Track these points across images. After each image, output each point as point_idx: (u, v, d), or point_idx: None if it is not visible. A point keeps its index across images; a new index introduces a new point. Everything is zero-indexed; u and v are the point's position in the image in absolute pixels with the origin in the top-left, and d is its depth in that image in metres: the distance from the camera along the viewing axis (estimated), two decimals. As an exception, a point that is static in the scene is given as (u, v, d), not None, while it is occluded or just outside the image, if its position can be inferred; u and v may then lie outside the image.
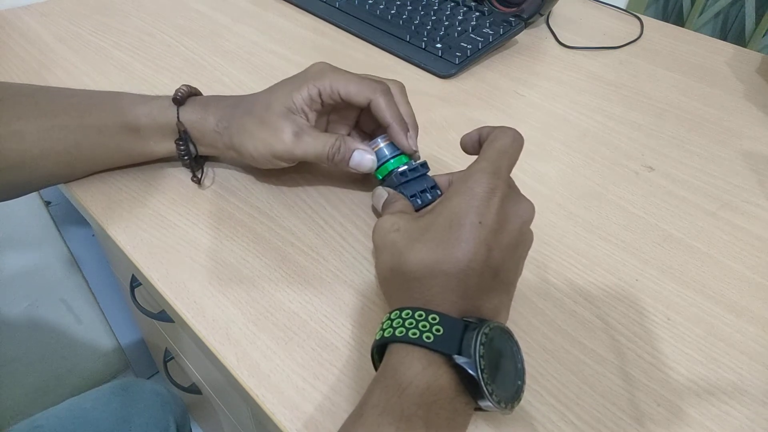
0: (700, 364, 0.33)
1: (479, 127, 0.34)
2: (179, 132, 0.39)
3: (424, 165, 0.38)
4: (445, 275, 0.27)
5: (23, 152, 0.37)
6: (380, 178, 0.38)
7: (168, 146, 0.40)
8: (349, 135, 0.42)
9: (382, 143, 0.38)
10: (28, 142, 0.37)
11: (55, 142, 0.38)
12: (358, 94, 0.37)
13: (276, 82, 0.39)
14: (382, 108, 0.37)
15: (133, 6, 0.68)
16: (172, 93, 0.39)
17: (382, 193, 0.37)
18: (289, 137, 0.36)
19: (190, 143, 0.40)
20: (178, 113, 0.38)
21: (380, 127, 0.39)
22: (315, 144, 0.37)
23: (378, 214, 0.39)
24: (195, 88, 0.41)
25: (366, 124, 0.42)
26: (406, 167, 0.37)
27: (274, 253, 0.37)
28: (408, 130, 0.38)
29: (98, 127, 0.38)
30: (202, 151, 0.41)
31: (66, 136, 0.38)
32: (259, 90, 0.39)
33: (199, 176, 0.41)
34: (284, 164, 0.38)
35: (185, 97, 0.39)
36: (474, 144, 0.34)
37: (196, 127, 0.39)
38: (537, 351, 0.33)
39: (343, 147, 0.37)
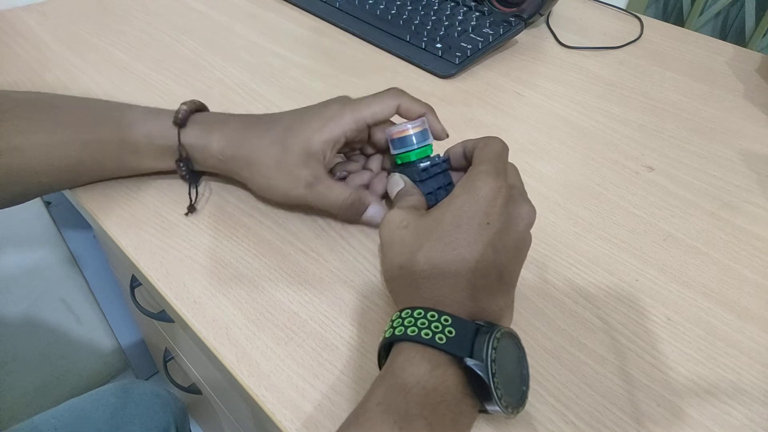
0: (700, 364, 0.33)
1: (461, 141, 0.35)
2: (180, 155, 0.38)
3: (447, 161, 0.36)
4: (454, 276, 0.28)
5: (23, 168, 0.36)
6: (399, 163, 0.37)
7: (168, 164, 0.39)
8: (348, 154, 0.42)
9: (411, 130, 0.36)
10: (28, 157, 0.36)
11: (56, 158, 0.37)
12: (383, 109, 0.36)
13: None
14: (412, 105, 0.37)
15: (133, 6, 0.68)
16: (172, 95, 0.39)
17: (399, 181, 0.36)
18: (305, 187, 0.35)
19: (191, 164, 0.39)
20: (179, 136, 0.37)
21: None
22: (330, 196, 0.36)
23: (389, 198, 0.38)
24: (198, 103, 0.40)
25: (368, 148, 0.41)
26: (429, 162, 0.36)
27: (274, 253, 0.37)
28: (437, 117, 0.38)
29: (99, 144, 0.38)
30: (203, 169, 0.40)
31: (67, 153, 0.37)
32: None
33: (193, 200, 0.40)
34: (295, 204, 0.38)
35: (186, 117, 0.38)
36: (459, 158, 0.36)
37: (198, 150, 0.38)
38: (537, 351, 0.33)
39: (358, 203, 0.36)
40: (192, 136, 0.38)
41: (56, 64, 0.55)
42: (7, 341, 0.89)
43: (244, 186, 0.41)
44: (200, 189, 0.42)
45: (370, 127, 0.37)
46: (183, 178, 0.40)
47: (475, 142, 0.34)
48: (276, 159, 0.36)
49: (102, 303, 0.99)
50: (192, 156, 0.38)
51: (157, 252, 0.37)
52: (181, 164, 0.39)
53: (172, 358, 0.79)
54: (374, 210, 0.37)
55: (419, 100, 0.37)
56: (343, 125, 0.36)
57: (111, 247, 0.40)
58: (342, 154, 0.43)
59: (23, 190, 0.38)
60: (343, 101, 0.37)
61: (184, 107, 0.38)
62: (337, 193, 0.36)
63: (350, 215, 0.37)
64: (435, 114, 0.38)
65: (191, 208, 0.40)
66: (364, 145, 0.41)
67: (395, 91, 0.37)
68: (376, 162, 0.40)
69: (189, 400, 0.84)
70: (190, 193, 0.40)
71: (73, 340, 0.99)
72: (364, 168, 0.41)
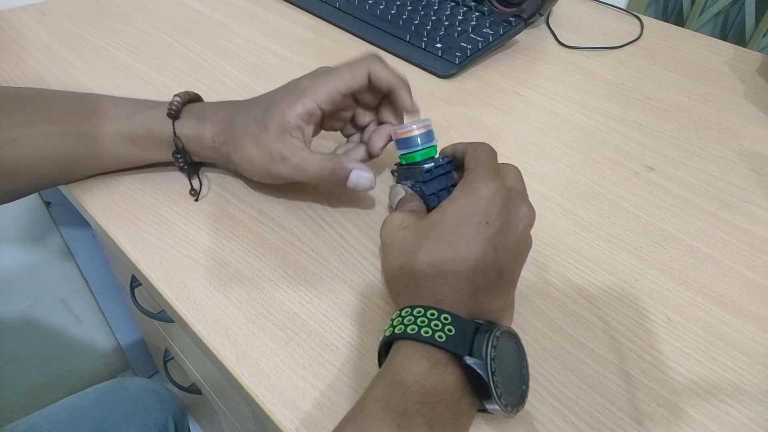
0: (700, 364, 0.33)
1: (451, 144, 0.36)
2: (177, 146, 0.38)
3: (450, 162, 0.36)
4: (454, 275, 0.28)
5: (20, 159, 0.37)
6: (404, 163, 0.37)
7: (165, 155, 0.40)
8: (344, 129, 0.41)
9: (416, 131, 0.36)
10: (25, 148, 0.37)
11: (52, 149, 0.37)
12: (354, 79, 0.36)
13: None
14: (383, 73, 0.36)
15: (133, 6, 0.68)
16: (172, 95, 0.39)
17: (399, 191, 0.37)
18: (281, 161, 0.35)
19: (188, 156, 0.39)
20: (174, 127, 0.38)
21: (378, 110, 0.39)
22: (309, 168, 0.36)
23: (391, 209, 0.38)
24: (192, 94, 0.40)
25: (361, 117, 0.40)
26: (432, 164, 0.36)
27: (274, 253, 0.37)
28: (409, 90, 0.37)
29: (94, 136, 0.38)
30: (200, 160, 0.40)
31: (63, 144, 0.37)
32: (260, 89, 0.39)
33: (197, 189, 0.41)
34: (283, 182, 0.38)
35: (180, 108, 0.38)
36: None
37: (193, 140, 0.38)
38: (537, 351, 0.33)
39: (338, 168, 0.36)
40: (187, 126, 0.38)
41: (56, 63, 0.55)
42: (7, 341, 0.89)
43: (241, 178, 0.42)
44: (200, 199, 0.42)
45: (354, 94, 0.37)
46: (181, 169, 0.41)
47: (464, 147, 0.35)
48: (256, 137, 0.36)
49: (102, 303, 0.99)
50: (188, 147, 0.39)
51: (157, 252, 0.37)
52: (179, 156, 0.39)
53: (172, 358, 0.79)
54: (357, 174, 0.36)
55: (393, 70, 0.37)
56: (316, 97, 0.36)
57: (111, 247, 0.40)
58: (346, 139, 0.42)
59: (21, 183, 0.39)
60: (317, 73, 0.37)
61: (177, 99, 0.38)
62: (315, 162, 0.36)
63: (334, 184, 0.36)
64: (408, 88, 0.37)
65: (194, 193, 0.40)
66: (356, 112, 0.40)
67: (368, 59, 0.36)
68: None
69: (189, 400, 0.84)
70: (191, 182, 0.40)
71: (73, 340, 0.99)
72: (361, 142, 0.40)
